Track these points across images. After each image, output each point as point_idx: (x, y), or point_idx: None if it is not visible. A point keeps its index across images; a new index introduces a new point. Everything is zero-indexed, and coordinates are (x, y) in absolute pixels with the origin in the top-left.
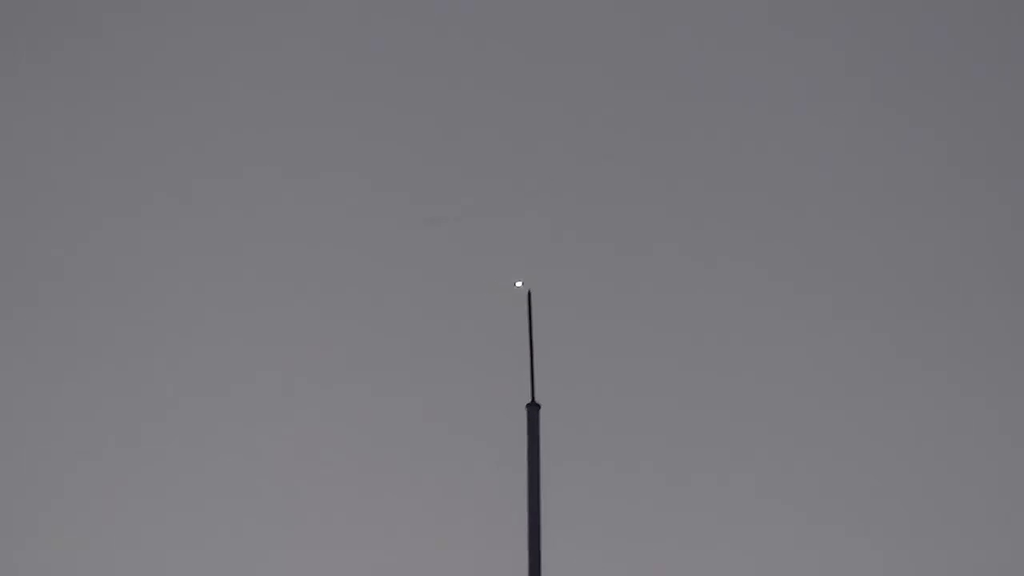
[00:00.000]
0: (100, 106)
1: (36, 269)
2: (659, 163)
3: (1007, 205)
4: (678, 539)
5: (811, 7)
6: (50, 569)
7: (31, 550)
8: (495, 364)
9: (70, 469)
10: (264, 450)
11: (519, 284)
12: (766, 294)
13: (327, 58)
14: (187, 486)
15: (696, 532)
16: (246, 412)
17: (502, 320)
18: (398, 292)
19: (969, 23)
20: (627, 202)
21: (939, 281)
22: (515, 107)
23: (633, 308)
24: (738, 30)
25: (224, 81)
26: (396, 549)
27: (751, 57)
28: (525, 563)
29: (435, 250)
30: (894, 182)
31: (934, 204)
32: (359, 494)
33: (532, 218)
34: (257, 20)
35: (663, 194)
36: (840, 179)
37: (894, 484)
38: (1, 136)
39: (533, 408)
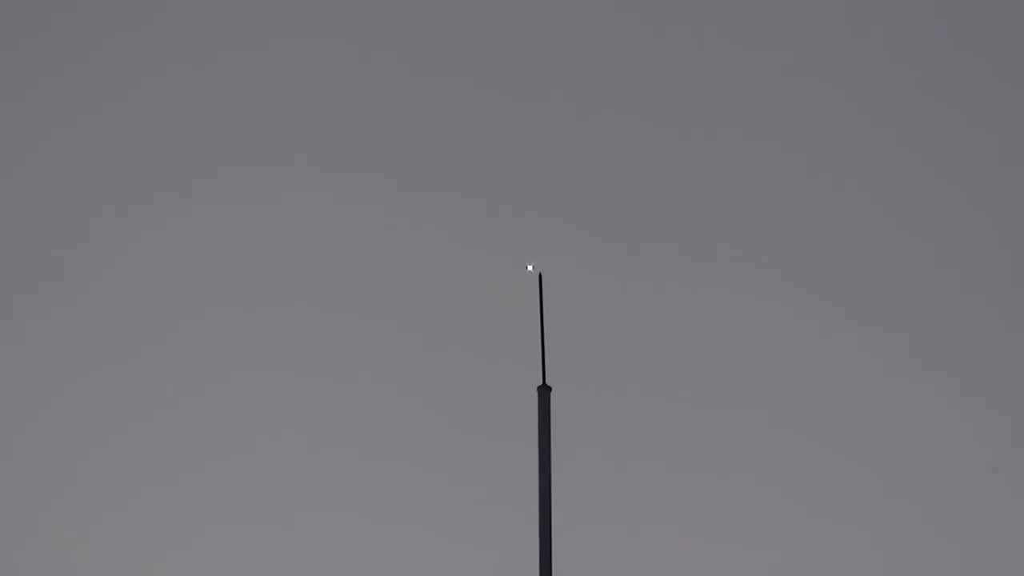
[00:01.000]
0: (101, 106)
1: (37, 269)
2: (673, 151)
3: (1016, 205)
4: (688, 520)
5: (820, 6)
6: (50, 569)
7: (31, 550)
8: (506, 347)
9: (70, 469)
10: (278, 440)
11: (530, 268)
12: (777, 282)
13: (335, 54)
14: (194, 484)
15: (705, 512)
16: (260, 402)
17: (513, 303)
18: (410, 276)
19: (970, 21)
20: (641, 186)
21: (946, 280)
22: (535, 93)
23: (644, 291)
24: (750, 27)
25: (228, 80)
26: (408, 531)
27: (768, 55)
28: (536, 544)
29: (446, 233)
30: (915, 183)
31: (939, 202)
32: (371, 477)
33: (544, 201)
34: (265, 18)
35: (679, 179)
36: (859, 174)
37: (917, 482)
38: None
39: (544, 390)
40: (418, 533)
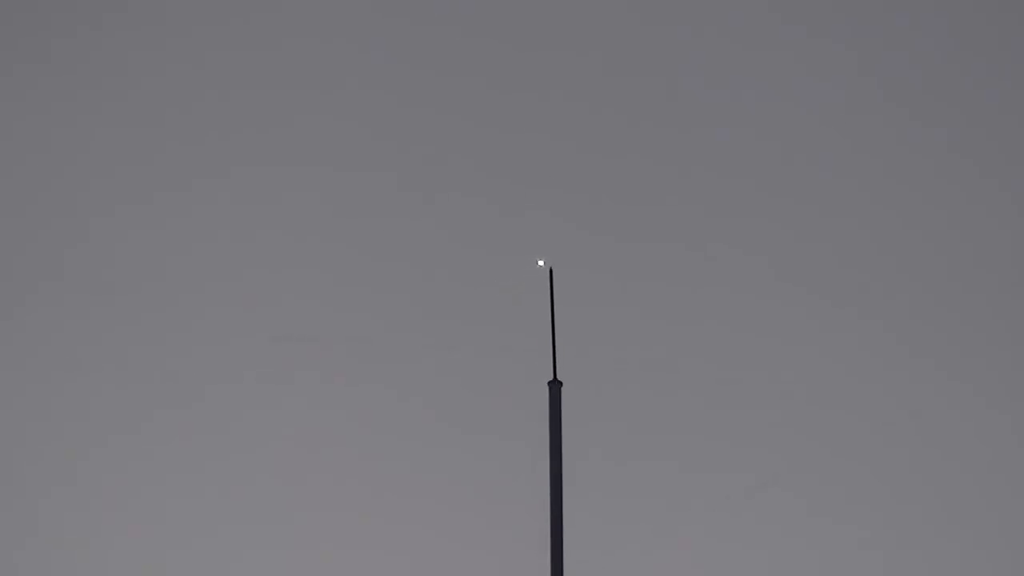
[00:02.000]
0: (103, 107)
1: (38, 269)
2: (686, 148)
3: (1015, 204)
4: (699, 516)
5: (824, 7)
6: (51, 569)
7: (32, 550)
8: (516, 342)
9: (69, 468)
10: (283, 438)
11: (541, 263)
12: (788, 281)
13: (350, 54)
14: (202, 482)
15: (717, 507)
16: (269, 399)
17: (523, 298)
18: (420, 271)
19: (970, 20)
20: (651, 181)
21: (947, 281)
22: (545, 91)
23: (655, 285)
24: (754, 28)
25: (233, 79)
26: (417, 527)
27: (773, 54)
28: (547, 539)
29: (455, 229)
30: (921, 184)
31: (944, 202)
32: (380, 473)
33: (554, 196)
34: (269, 17)
35: (689, 173)
36: (863, 175)
37: (928, 483)
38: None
39: (555, 385)
40: (427, 530)
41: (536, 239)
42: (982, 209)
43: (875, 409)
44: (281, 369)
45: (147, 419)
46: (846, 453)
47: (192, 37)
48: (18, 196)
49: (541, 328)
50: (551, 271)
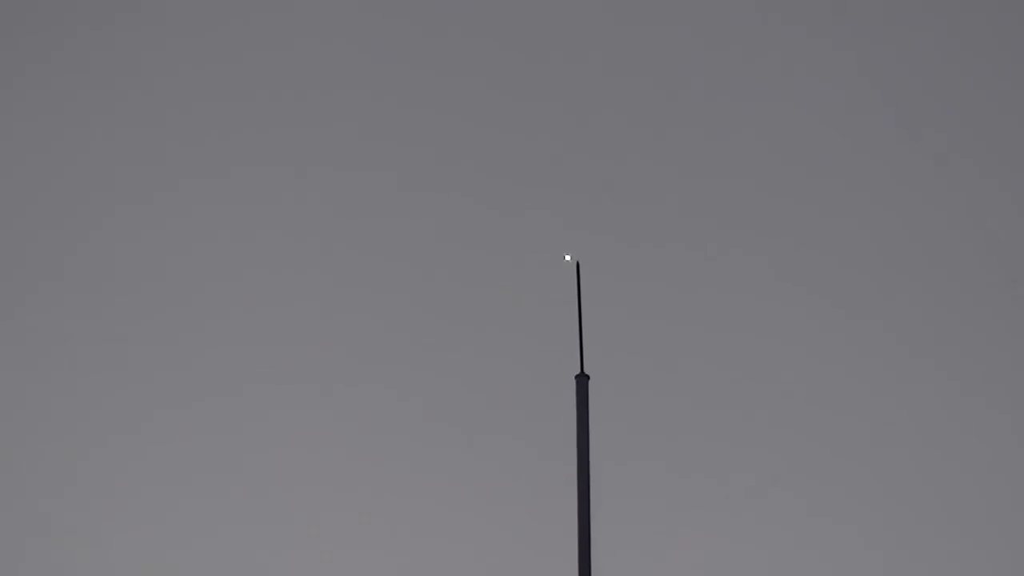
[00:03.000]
0: (104, 109)
1: (41, 270)
2: (711, 148)
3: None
4: (726, 508)
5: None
6: (52, 569)
7: (32, 550)
8: (544, 336)
9: (69, 469)
10: (310, 433)
11: (568, 258)
12: (812, 270)
13: (354, 56)
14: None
15: (744, 498)
16: (290, 391)
17: (551, 292)
18: (449, 266)
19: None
20: (681, 176)
21: (949, 283)
22: (573, 94)
23: (682, 279)
24: (758, 29)
25: (242, 81)
26: (445, 517)
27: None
28: (575, 531)
29: (485, 223)
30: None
31: (946, 204)
32: (408, 464)
33: (582, 190)
34: (276, 20)
35: (718, 168)
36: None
37: (930, 484)
38: (5, 136)
39: (582, 379)
40: (454, 519)
41: (562, 236)
42: (983, 212)
43: (906, 402)
44: (309, 368)
45: (147, 419)
46: (878, 447)
47: (199, 40)
48: (22, 197)
49: (569, 323)
50: (578, 264)
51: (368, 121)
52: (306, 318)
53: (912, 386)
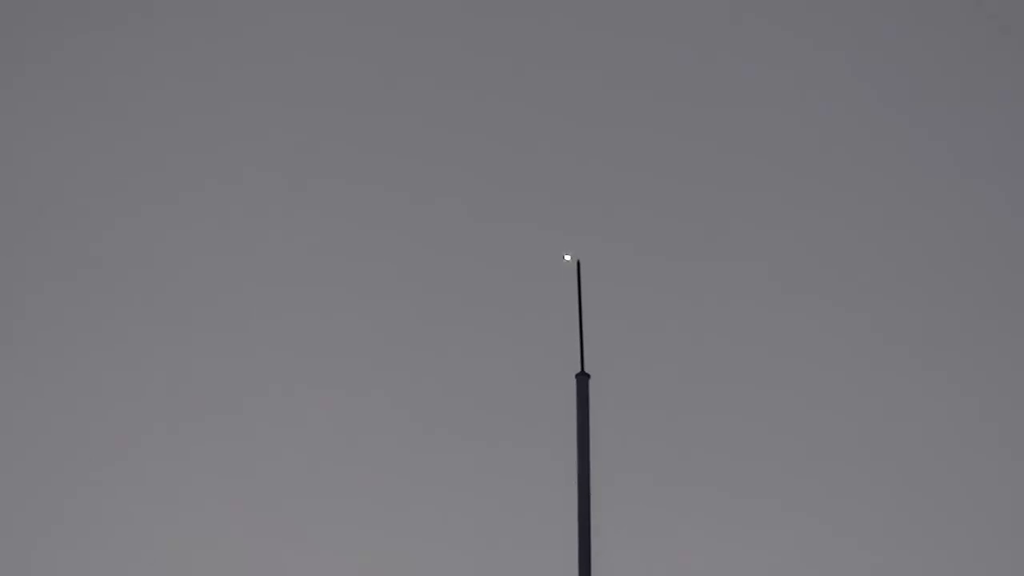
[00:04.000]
0: (106, 111)
1: (43, 271)
2: (709, 139)
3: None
4: (727, 506)
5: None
6: (54, 569)
7: (35, 549)
8: (545, 335)
9: (69, 469)
10: (311, 432)
11: (567, 257)
12: (811, 271)
13: (377, 65)
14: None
15: (745, 497)
16: (290, 391)
17: (551, 292)
18: (449, 265)
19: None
20: (681, 176)
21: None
22: (573, 90)
23: (683, 279)
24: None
25: (245, 88)
26: (445, 515)
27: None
28: (575, 527)
29: (485, 223)
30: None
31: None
32: (408, 461)
33: (582, 191)
34: (277, 28)
35: (718, 169)
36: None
37: (932, 484)
38: (11, 139)
39: (583, 378)
40: (454, 517)
41: (563, 235)
42: (985, 210)
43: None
44: (309, 368)
45: (137, 423)
46: (879, 442)
47: (206, 48)
48: (38, 200)
49: (569, 322)
50: (578, 264)
51: (366, 123)
52: (306, 320)
53: (910, 385)
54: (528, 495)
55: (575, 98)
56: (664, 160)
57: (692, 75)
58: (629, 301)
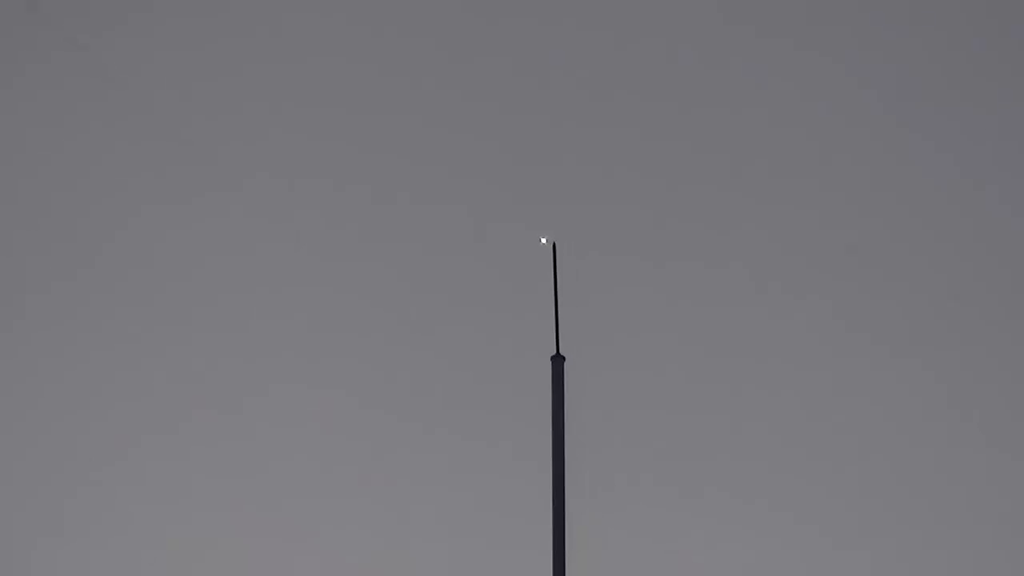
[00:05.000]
0: (105, 113)
1: (46, 273)
2: (689, 133)
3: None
4: (701, 490)
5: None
6: (53, 569)
7: (35, 550)
8: (520, 317)
9: (68, 470)
10: (293, 428)
11: (544, 240)
12: (794, 259)
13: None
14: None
15: (719, 481)
16: (277, 386)
17: (527, 274)
18: (423, 246)
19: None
20: (659, 158)
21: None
22: (544, 84)
23: (659, 262)
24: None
25: (247, 90)
26: (419, 502)
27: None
28: (550, 513)
29: (459, 205)
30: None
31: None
32: (384, 447)
33: (557, 172)
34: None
35: (697, 153)
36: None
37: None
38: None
39: (558, 360)
40: (427, 505)
41: (539, 217)
42: (984, 211)
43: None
44: (289, 361)
45: (130, 421)
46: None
47: (210, 50)
48: (44, 200)
49: (545, 304)
50: (554, 246)
51: (343, 101)
52: (280, 309)
53: (905, 385)
54: (501, 480)
55: (549, 82)
56: (642, 144)
57: (669, 63)
58: (606, 283)
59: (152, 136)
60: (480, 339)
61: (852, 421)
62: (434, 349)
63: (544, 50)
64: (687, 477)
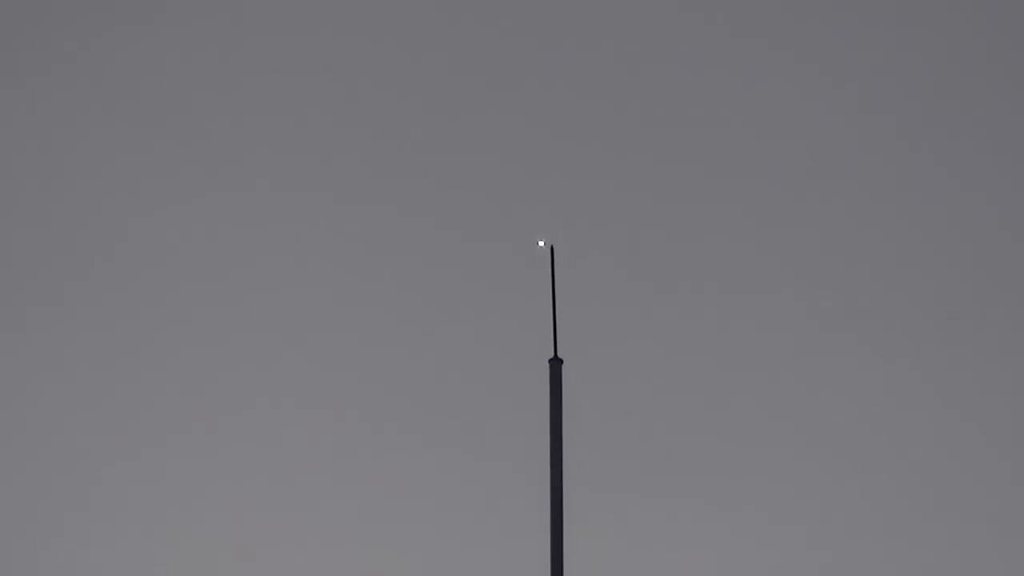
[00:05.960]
0: (106, 114)
1: (46, 273)
2: (687, 122)
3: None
4: (697, 492)
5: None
6: (55, 569)
7: (37, 550)
8: (518, 320)
9: (69, 470)
10: (287, 415)
11: (541, 243)
12: (792, 257)
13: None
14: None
15: (715, 482)
16: (276, 381)
17: (525, 277)
18: (421, 249)
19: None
20: (657, 160)
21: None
22: (550, 72)
23: (656, 265)
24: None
25: (249, 89)
26: (418, 503)
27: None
28: (548, 513)
29: (457, 208)
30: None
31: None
32: (383, 449)
33: (555, 175)
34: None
35: (696, 153)
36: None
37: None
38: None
39: (556, 363)
40: (425, 507)
41: (536, 221)
42: (983, 211)
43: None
44: (285, 362)
45: (127, 418)
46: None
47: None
48: (37, 200)
49: (543, 307)
50: (552, 249)
51: (343, 105)
52: (280, 311)
53: (905, 386)
54: (499, 481)
55: (548, 87)
56: (641, 149)
57: (667, 68)
58: (604, 287)
59: (153, 137)
60: (478, 341)
61: (852, 421)
62: (433, 351)
63: (544, 55)
64: (684, 478)
